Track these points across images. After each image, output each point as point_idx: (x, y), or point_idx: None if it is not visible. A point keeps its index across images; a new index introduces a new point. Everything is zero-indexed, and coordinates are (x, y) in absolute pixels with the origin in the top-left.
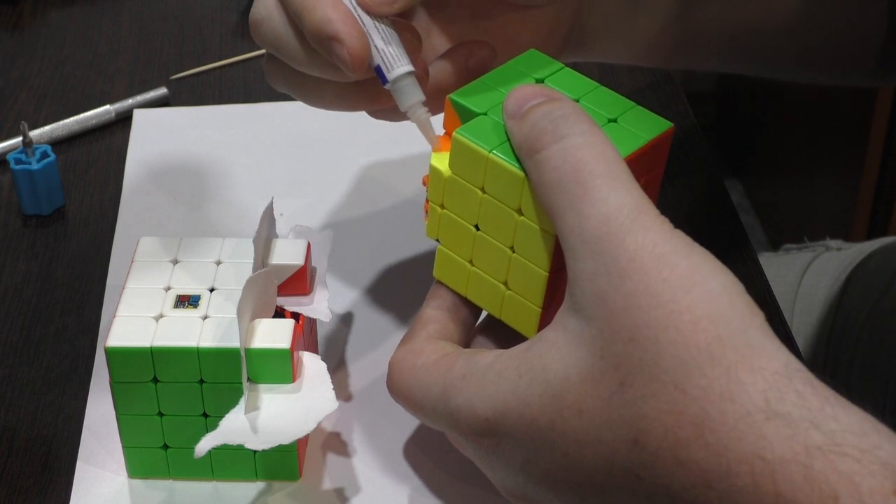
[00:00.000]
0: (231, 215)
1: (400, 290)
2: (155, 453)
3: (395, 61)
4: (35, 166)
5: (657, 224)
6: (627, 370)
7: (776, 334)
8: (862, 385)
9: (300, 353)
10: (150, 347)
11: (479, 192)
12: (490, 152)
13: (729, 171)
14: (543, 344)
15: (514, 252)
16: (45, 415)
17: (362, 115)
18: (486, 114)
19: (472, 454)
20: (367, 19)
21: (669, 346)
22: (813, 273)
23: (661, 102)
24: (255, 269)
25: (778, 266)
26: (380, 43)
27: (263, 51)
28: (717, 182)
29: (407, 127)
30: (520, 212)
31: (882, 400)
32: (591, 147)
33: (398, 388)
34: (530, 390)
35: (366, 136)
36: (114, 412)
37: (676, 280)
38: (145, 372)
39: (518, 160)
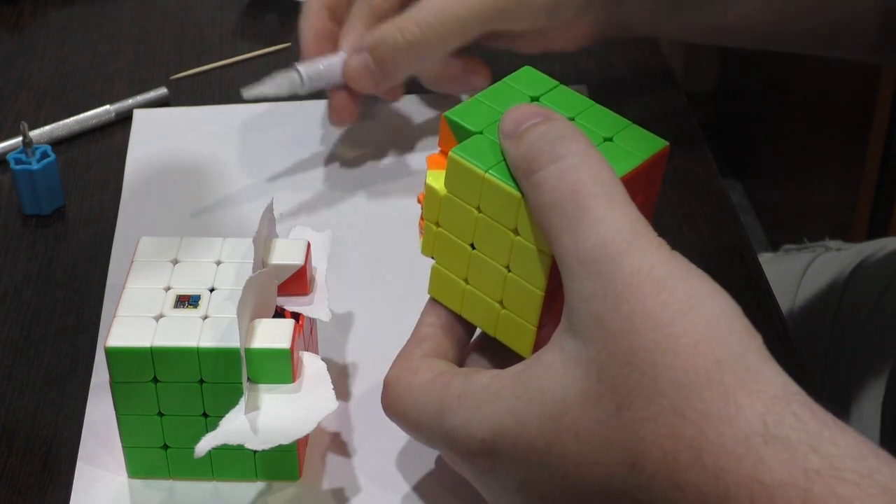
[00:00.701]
0: (231, 215)
1: (400, 289)
2: (155, 453)
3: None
4: (35, 166)
5: (654, 246)
6: (625, 393)
7: (776, 335)
8: (861, 385)
9: (300, 353)
10: (150, 347)
11: (475, 212)
12: (486, 172)
13: (729, 171)
14: (540, 365)
15: (509, 271)
16: (45, 415)
17: (365, 117)
18: (481, 132)
19: (467, 474)
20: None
21: (667, 369)
22: (813, 273)
23: (661, 102)
24: (255, 269)
25: (778, 266)
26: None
27: (263, 51)
28: (717, 182)
29: (408, 128)
30: (516, 231)
31: (882, 400)
32: (588, 168)
33: (393, 406)
34: (527, 411)
35: (367, 135)
36: (114, 412)
37: (674, 303)
38: (145, 372)
39: (514, 180)
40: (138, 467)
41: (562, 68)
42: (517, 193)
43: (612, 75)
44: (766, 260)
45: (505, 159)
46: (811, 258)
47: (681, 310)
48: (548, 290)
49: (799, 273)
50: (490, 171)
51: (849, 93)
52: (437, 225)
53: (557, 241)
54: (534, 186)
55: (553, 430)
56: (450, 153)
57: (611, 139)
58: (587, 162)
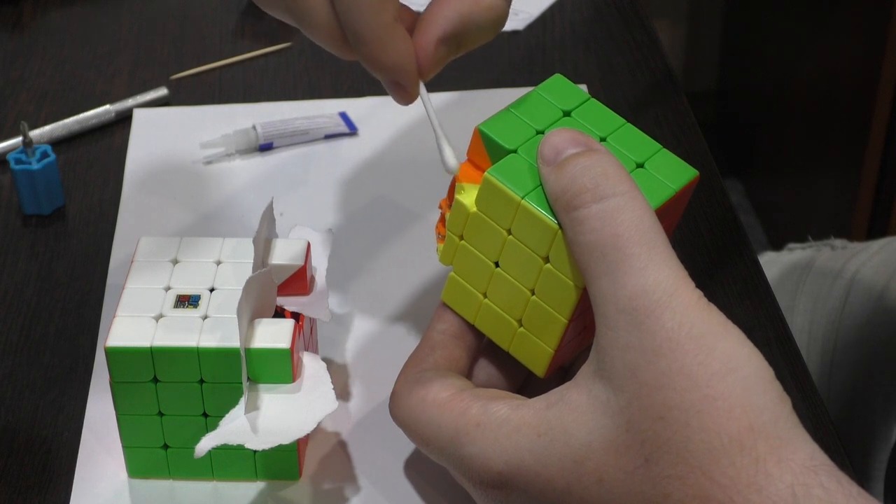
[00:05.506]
0: (231, 215)
1: (400, 289)
2: (155, 453)
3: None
4: (35, 166)
5: (694, 300)
6: (654, 447)
7: (776, 335)
8: (866, 384)
9: (300, 353)
10: (150, 347)
11: (505, 234)
12: (523, 199)
13: (729, 171)
14: (566, 406)
15: (533, 294)
16: (45, 415)
17: (364, 116)
18: (516, 151)
19: (476, 498)
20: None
21: (700, 431)
22: (816, 272)
23: (661, 102)
24: (255, 269)
25: (780, 265)
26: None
27: (263, 51)
28: (717, 182)
29: (408, 127)
30: (546, 259)
31: (886, 398)
32: (631, 212)
33: (404, 418)
34: (549, 451)
35: (367, 135)
36: (114, 412)
37: (712, 364)
38: (145, 372)
39: (551, 208)
40: (138, 467)
41: (562, 68)
42: (554, 224)
43: (612, 75)
44: (769, 259)
45: (542, 185)
46: (815, 256)
47: (719, 371)
48: (572, 318)
49: (802, 272)
50: (527, 198)
51: (849, 93)
52: (461, 238)
53: (595, 283)
54: (574, 223)
55: (574, 473)
56: (485, 174)
57: (642, 165)
58: (630, 206)
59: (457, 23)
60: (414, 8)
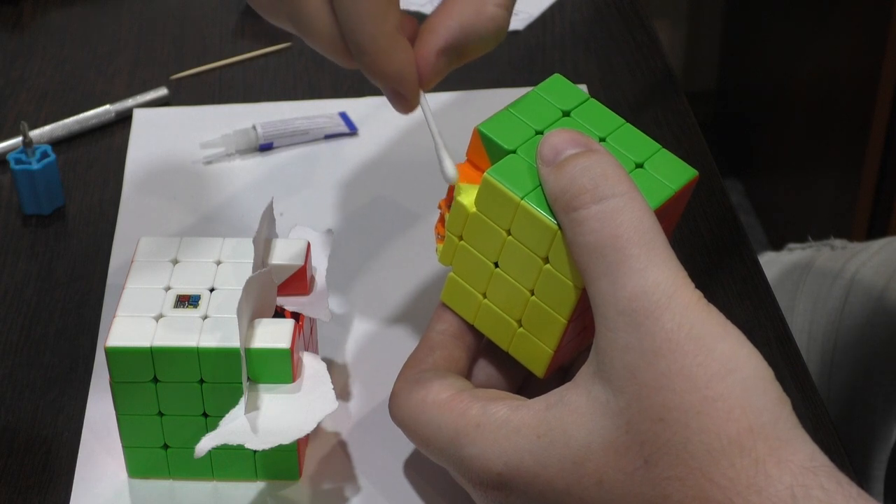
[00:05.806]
0: (231, 215)
1: (400, 289)
2: (155, 453)
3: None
4: (35, 166)
5: (693, 301)
6: (654, 448)
7: (776, 335)
8: (864, 385)
9: (300, 353)
10: (150, 347)
11: (504, 234)
12: (522, 199)
13: (729, 171)
14: (565, 407)
15: (533, 295)
16: (45, 415)
17: (364, 116)
18: (515, 151)
19: (476, 499)
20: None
21: (700, 432)
22: (816, 272)
23: (661, 102)
24: (255, 269)
25: (780, 265)
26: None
27: (263, 51)
28: (717, 182)
29: (408, 127)
30: (546, 260)
31: (886, 398)
32: (631, 213)
33: (404, 419)
34: (549, 453)
35: (367, 135)
36: (114, 412)
37: (712, 365)
38: (145, 372)
39: (550, 209)
40: (138, 467)
41: (562, 68)
42: (554, 226)
43: (612, 75)
44: (769, 259)
45: (542, 186)
46: (815, 256)
47: (718, 372)
48: (571, 318)
49: (802, 272)
50: (526, 199)
51: (849, 93)
52: (461, 238)
53: (594, 284)
54: (573, 224)
55: (574, 475)
56: (484, 175)
57: (642, 165)
58: (630, 206)
59: (458, 33)
60: (413, 8)
